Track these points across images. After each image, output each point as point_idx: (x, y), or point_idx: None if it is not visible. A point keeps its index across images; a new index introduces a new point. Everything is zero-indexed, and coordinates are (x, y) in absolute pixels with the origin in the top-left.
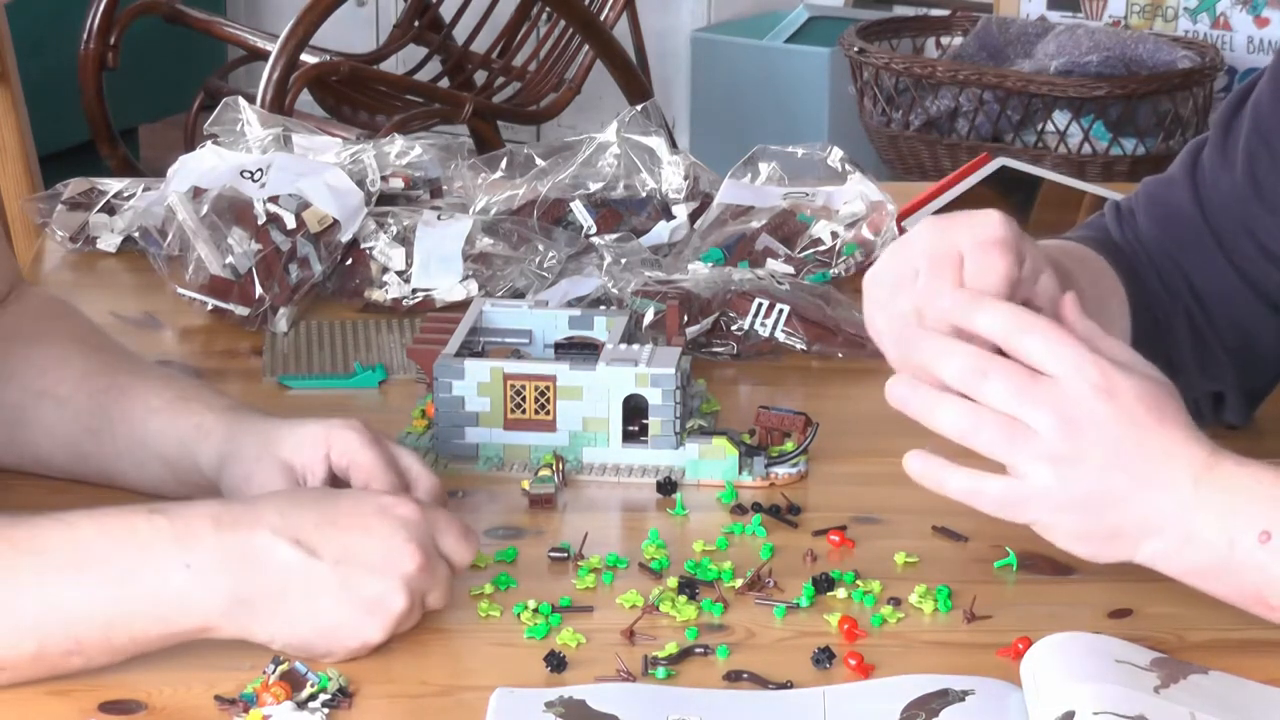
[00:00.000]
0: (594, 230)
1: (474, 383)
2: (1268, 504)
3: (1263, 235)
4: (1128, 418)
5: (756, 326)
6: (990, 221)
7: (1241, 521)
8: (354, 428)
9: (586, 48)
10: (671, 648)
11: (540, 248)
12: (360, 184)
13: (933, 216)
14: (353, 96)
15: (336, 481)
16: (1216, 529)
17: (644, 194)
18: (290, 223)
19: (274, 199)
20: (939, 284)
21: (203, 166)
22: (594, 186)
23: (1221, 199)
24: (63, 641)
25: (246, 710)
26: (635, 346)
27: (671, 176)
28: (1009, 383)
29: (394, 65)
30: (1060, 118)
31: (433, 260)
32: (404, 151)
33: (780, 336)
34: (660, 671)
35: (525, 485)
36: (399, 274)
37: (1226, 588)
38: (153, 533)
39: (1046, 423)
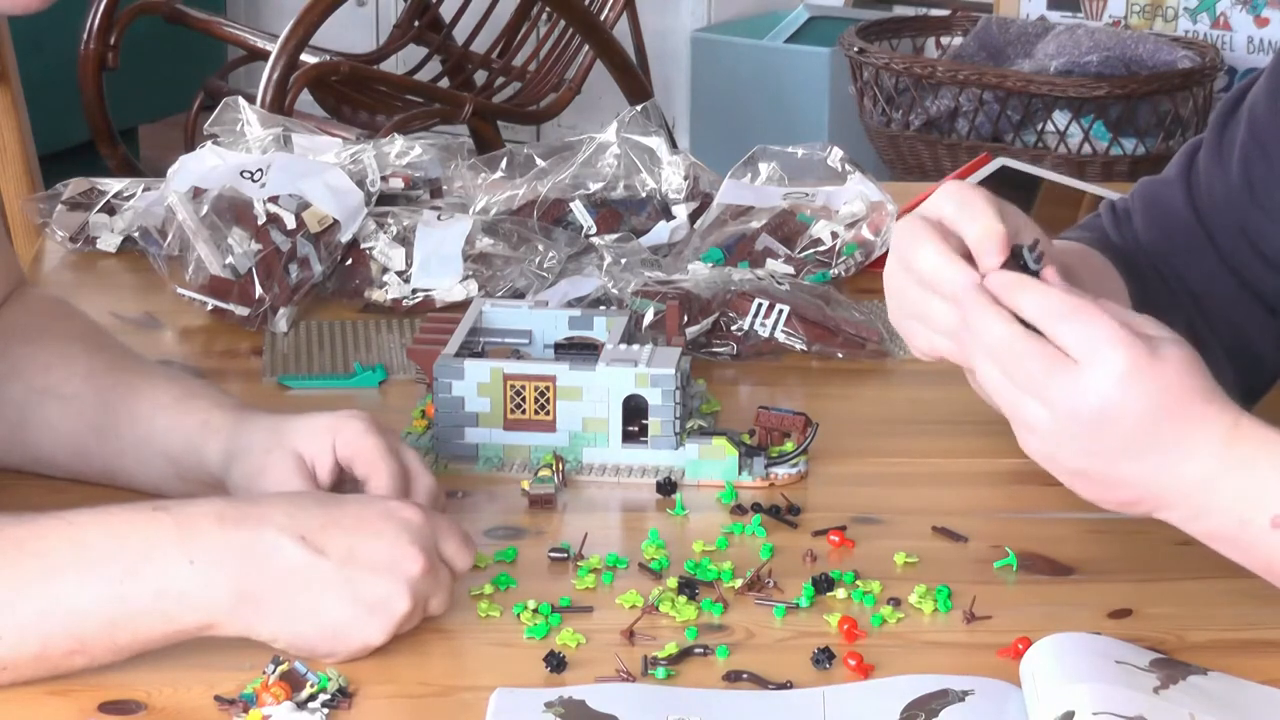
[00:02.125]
0: (594, 230)
1: (474, 383)
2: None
3: (1258, 238)
4: (1149, 407)
5: (756, 326)
6: (950, 184)
7: (1253, 503)
8: (359, 418)
9: (586, 48)
10: (671, 648)
11: (540, 248)
12: (360, 184)
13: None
14: (353, 96)
15: (342, 475)
16: (1227, 508)
17: (644, 194)
18: (290, 223)
19: (274, 199)
20: (917, 248)
21: (203, 166)
22: (594, 186)
23: (1217, 202)
24: (65, 641)
25: (246, 710)
26: (635, 347)
27: (671, 176)
28: (1029, 370)
29: (394, 65)
30: (1060, 118)
31: (433, 260)
32: (404, 151)
33: (780, 337)
34: (660, 671)
35: (525, 485)
36: (399, 274)
37: (1243, 557)
38: (156, 529)
39: (1063, 414)
